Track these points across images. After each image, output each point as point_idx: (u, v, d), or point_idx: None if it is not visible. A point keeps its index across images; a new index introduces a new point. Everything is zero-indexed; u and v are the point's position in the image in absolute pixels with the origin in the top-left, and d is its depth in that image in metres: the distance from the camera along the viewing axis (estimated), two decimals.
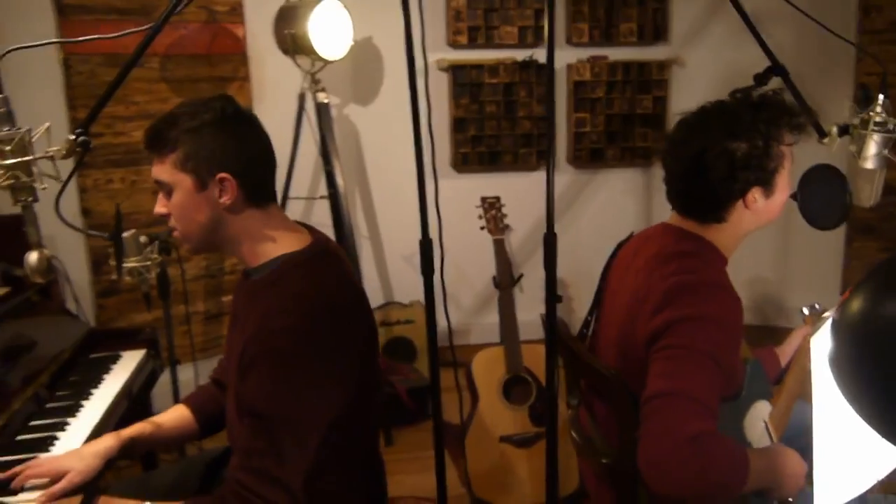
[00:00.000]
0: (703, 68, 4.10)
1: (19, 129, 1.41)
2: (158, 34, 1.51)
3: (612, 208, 4.25)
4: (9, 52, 1.40)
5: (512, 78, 3.98)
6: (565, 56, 4.03)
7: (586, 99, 4.07)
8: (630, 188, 4.28)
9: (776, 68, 1.68)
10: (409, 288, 3.94)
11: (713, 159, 1.53)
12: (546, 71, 1.57)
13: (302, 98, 3.31)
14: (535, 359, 2.69)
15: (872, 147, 1.60)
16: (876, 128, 1.59)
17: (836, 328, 0.92)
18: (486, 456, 2.63)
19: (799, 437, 1.46)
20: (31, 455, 1.67)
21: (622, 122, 4.13)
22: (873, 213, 3.76)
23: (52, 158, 1.46)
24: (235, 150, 1.42)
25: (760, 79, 1.70)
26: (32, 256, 1.52)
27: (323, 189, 3.41)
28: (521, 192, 3.44)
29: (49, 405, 1.94)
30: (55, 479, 1.54)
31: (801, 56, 3.30)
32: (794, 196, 1.66)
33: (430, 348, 1.67)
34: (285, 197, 3.33)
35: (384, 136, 3.84)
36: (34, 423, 1.85)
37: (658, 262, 1.58)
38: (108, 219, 2.68)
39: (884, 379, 0.85)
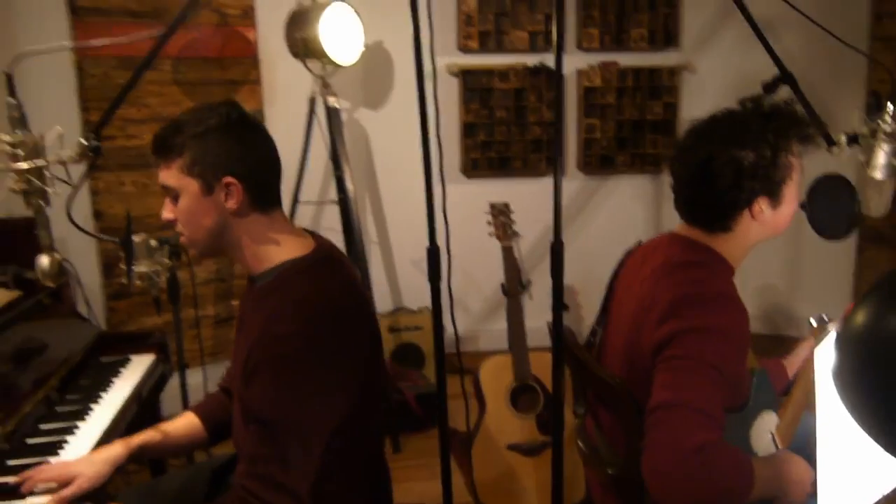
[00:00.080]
0: (714, 74, 4.09)
1: (32, 133, 1.43)
2: (171, 37, 1.52)
3: (622, 215, 4.24)
4: (21, 55, 1.42)
5: (522, 83, 3.98)
6: (576, 61, 4.04)
7: (596, 105, 4.07)
8: (640, 194, 4.27)
9: (784, 76, 1.67)
10: (418, 294, 3.94)
11: (720, 167, 1.53)
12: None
13: (312, 102, 3.32)
14: (543, 367, 2.69)
15: (882, 157, 1.58)
16: (885, 137, 1.57)
17: (840, 341, 0.92)
18: (493, 464, 2.63)
19: (805, 448, 1.45)
20: (40, 458, 1.68)
21: (632, 128, 4.12)
22: (885, 222, 3.74)
23: (63, 163, 1.48)
24: (241, 155, 1.44)
25: (768, 87, 1.69)
26: (44, 260, 1.53)
27: (333, 193, 3.42)
28: (530, 197, 3.43)
29: (59, 408, 1.95)
30: (64, 484, 1.55)
31: (812, 62, 3.28)
32: (802, 206, 1.65)
33: (436, 355, 1.67)
34: (295, 201, 3.34)
35: (394, 140, 3.86)
36: (44, 426, 1.86)
37: (664, 272, 1.58)
38: (120, 221, 2.70)
39: (886, 391, 0.84)
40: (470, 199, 3.20)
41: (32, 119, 1.45)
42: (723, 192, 1.54)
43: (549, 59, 3.95)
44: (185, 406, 2.38)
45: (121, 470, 1.63)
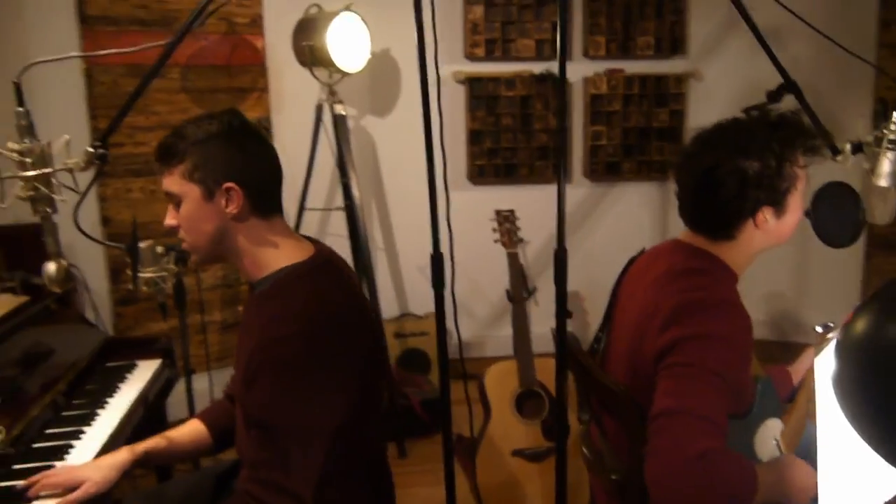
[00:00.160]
0: (720, 82, 4.09)
1: (39, 141, 1.44)
2: (179, 45, 1.54)
3: (628, 222, 4.24)
4: (29, 66, 1.43)
5: (528, 91, 3.99)
6: (582, 69, 4.04)
7: (603, 112, 4.08)
8: (646, 202, 4.27)
9: (788, 84, 1.67)
10: (423, 299, 3.94)
11: (724, 176, 1.53)
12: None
13: (319, 109, 3.34)
14: (548, 373, 2.69)
15: (886, 164, 1.57)
16: (890, 145, 1.56)
17: (840, 349, 0.92)
18: (497, 470, 2.63)
19: (808, 454, 1.45)
20: (47, 463, 1.69)
21: (639, 135, 4.12)
22: (892, 228, 3.70)
23: (70, 171, 1.49)
24: (241, 161, 1.46)
25: (773, 95, 1.69)
26: (51, 266, 1.55)
27: (339, 200, 3.43)
28: (536, 204, 3.43)
29: (65, 413, 1.97)
30: (71, 489, 1.56)
31: (819, 70, 3.28)
32: (807, 213, 1.65)
33: (440, 361, 1.68)
34: (302, 208, 3.35)
35: (400, 147, 3.86)
36: (50, 430, 1.87)
37: (667, 279, 1.58)
38: (128, 227, 2.71)
39: (886, 400, 0.84)
40: (476, 205, 3.21)
41: (42, 126, 1.46)
42: (727, 201, 1.54)
43: (555, 67, 3.94)
44: (191, 411, 2.38)
45: (127, 475, 1.64)
